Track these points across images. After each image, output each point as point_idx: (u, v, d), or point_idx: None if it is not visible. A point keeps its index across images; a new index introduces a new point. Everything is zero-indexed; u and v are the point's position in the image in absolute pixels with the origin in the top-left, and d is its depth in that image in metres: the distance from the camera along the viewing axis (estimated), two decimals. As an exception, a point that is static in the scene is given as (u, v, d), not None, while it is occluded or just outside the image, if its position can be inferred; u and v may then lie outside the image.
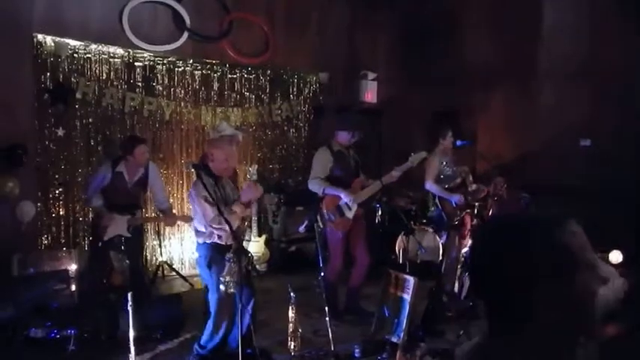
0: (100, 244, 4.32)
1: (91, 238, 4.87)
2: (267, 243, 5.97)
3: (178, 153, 5.79)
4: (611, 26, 6.37)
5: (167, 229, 5.71)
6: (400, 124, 7.62)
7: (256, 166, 6.02)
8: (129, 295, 2.97)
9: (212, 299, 3.50)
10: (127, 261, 4.34)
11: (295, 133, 6.70)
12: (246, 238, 5.91)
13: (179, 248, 5.88)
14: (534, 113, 6.66)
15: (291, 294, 3.21)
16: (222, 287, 3.25)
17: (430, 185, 4.96)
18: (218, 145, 3.74)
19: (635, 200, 6.35)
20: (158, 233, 5.56)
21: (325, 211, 4.36)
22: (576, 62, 6.47)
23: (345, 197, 4.32)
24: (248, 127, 6.31)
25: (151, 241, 5.63)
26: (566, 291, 0.98)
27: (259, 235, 5.94)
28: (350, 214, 4.37)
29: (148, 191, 4.68)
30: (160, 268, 5.53)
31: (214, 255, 3.55)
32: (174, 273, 5.60)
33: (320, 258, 3.48)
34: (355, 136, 4.45)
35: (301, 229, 4.11)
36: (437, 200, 5.08)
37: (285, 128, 6.64)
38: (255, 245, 5.93)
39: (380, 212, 6.20)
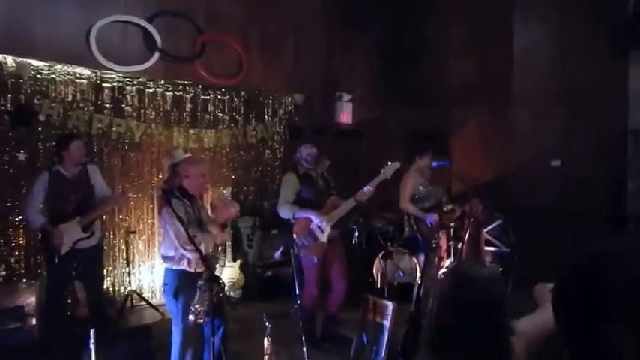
0: (57, 260, 3.97)
1: (46, 262, 4.43)
2: (242, 268, 5.78)
3: (149, 176, 5.59)
4: (583, 49, 6.51)
5: (136, 256, 5.48)
6: (377, 146, 7.58)
7: (230, 189, 5.96)
8: (91, 331, 2.76)
9: (176, 330, 3.31)
10: (85, 289, 4.03)
11: (270, 155, 6.58)
12: (221, 263, 5.73)
13: (149, 276, 5.64)
14: (508, 134, 6.71)
15: (266, 323, 3.04)
16: (191, 317, 3.08)
17: (405, 205, 4.89)
18: (192, 162, 3.64)
19: (605, 220, 6.41)
20: (127, 261, 5.32)
21: (297, 236, 4.22)
22: (548, 84, 6.58)
23: (315, 219, 4.21)
24: (222, 148, 6.18)
25: (119, 269, 5.39)
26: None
27: (234, 260, 5.76)
28: (323, 237, 4.24)
29: (91, 190, 4.26)
30: (129, 298, 5.27)
31: (182, 283, 3.38)
32: (144, 302, 5.36)
33: (296, 284, 3.33)
34: (316, 154, 4.36)
35: (277, 255, 3.99)
36: (412, 221, 5.01)
37: (260, 150, 6.51)
38: (230, 270, 5.73)
39: (357, 233, 6.10)
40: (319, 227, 4.27)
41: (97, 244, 4.21)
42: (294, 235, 4.32)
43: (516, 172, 6.54)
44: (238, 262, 5.76)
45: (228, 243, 5.82)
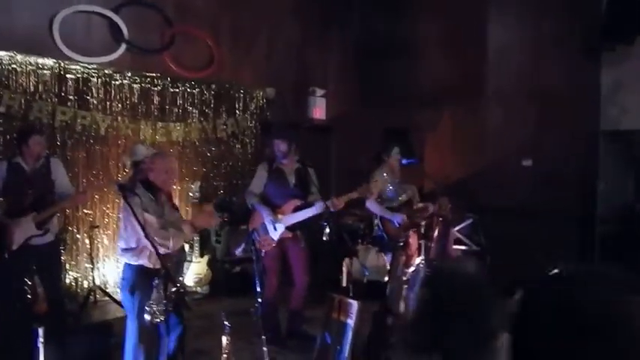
0: (6, 256, 3.82)
1: None
2: (209, 264, 5.71)
3: (115, 169, 5.47)
4: (556, 49, 6.59)
5: (101, 250, 5.37)
6: (350, 142, 7.57)
7: (199, 183, 5.87)
8: (39, 330, 2.68)
9: (131, 327, 3.25)
10: (42, 283, 3.90)
11: (241, 150, 6.51)
12: (188, 258, 5.65)
13: (114, 271, 5.52)
14: (481, 133, 6.77)
15: (225, 322, 3.00)
16: (147, 316, 3.02)
17: (370, 204, 4.87)
18: (158, 156, 3.58)
19: (575, 219, 6.53)
20: (91, 256, 5.20)
21: (251, 227, 4.23)
22: (521, 84, 6.64)
23: (266, 217, 4.19)
24: (191, 142, 6.08)
25: (82, 264, 5.27)
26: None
27: (201, 256, 5.69)
28: (274, 235, 4.23)
29: (51, 186, 4.11)
30: (92, 293, 5.16)
31: (139, 279, 3.31)
32: (107, 298, 5.25)
33: (257, 281, 3.30)
34: (292, 149, 4.31)
35: (238, 251, 3.94)
36: (378, 220, 5.01)
37: (231, 144, 6.43)
38: (197, 266, 5.67)
39: (327, 230, 6.07)
40: (273, 224, 4.26)
41: (54, 240, 4.09)
42: (250, 227, 4.33)
43: (488, 171, 6.60)
44: (206, 257, 5.70)
45: (196, 238, 5.76)
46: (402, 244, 4.50)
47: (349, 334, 3.49)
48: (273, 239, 4.29)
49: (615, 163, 6.92)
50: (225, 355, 3.01)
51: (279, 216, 4.27)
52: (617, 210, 6.86)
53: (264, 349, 3.22)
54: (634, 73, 6.61)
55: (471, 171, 6.70)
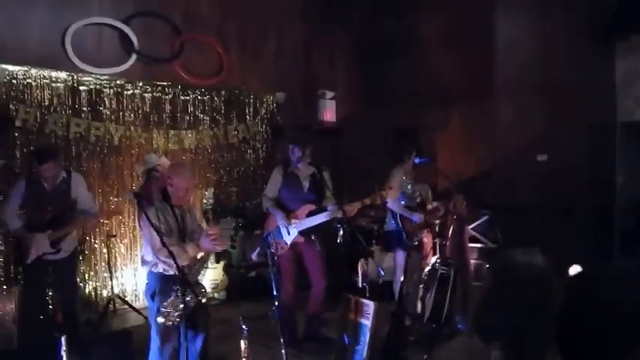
0: (27, 266, 3.91)
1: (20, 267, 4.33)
2: (225, 269, 5.75)
3: (129, 179, 5.53)
4: (565, 43, 6.51)
5: (118, 259, 5.43)
6: (360, 143, 7.56)
7: (212, 190, 5.91)
8: (62, 338, 2.72)
9: (152, 332, 3.28)
10: (56, 296, 3.96)
11: (253, 155, 6.54)
12: (205, 265, 5.68)
13: (132, 279, 5.59)
14: (492, 129, 6.71)
15: (243, 327, 3.02)
16: (160, 319, 3.05)
17: (392, 203, 4.86)
18: (180, 173, 3.55)
19: (593, 214, 6.43)
20: (109, 264, 5.26)
21: (267, 230, 4.25)
22: (531, 79, 6.57)
23: (279, 221, 4.21)
24: (203, 149, 6.13)
25: (101, 274, 5.34)
26: None
27: (217, 262, 5.72)
28: (287, 239, 4.26)
29: (71, 203, 4.14)
30: (112, 302, 5.21)
31: (160, 285, 3.35)
32: (127, 306, 5.30)
33: (273, 284, 3.31)
34: (306, 153, 4.33)
35: (254, 255, 3.96)
36: (398, 219, 4.99)
37: (243, 150, 6.47)
38: (213, 272, 5.70)
39: (342, 233, 6.07)
40: (286, 228, 4.28)
41: (68, 256, 4.11)
42: (266, 230, 4.35)
43: (501, 167, 6.53)
44: (222, 263, 5.73)
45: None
46: (416, 243, 4.49)
47: (367, 335, 3.49)
48: (286, 243, 4.32)
49: (633, 155, 6.80)
50: (244, 359, 3.03)
51: (293, 220, 4.28)
52: (636, 203, 6.75)
53: (283, 351, 3.22)
54: (647, 64, 6.51)
55: (483, 169, 6.65)
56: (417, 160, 4.56)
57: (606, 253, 6.66)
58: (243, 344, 3.04)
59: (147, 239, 3.30)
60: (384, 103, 7.42)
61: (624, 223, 6.67)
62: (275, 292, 3.35)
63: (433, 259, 4.22)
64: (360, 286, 3.96)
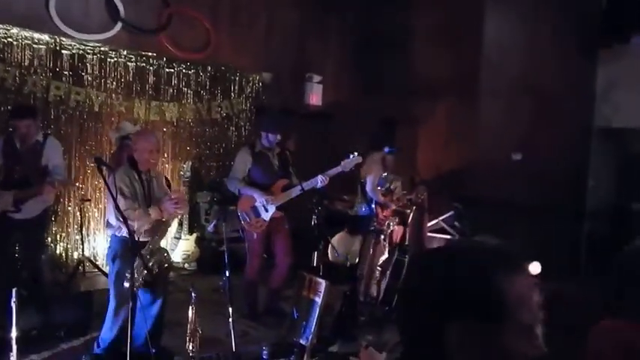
0: None
1: None
2: (197, 241, 5.84)
3: (107, 145, 5.60)
4: (552, 45, 6.57)
5: (92, 223, 5.52)
6: (346, 128, 7.62)
7: (190, 163, 6.00)
8: (13, 291, 2.82)
9: (111, 294, 3.39)
10: (19, 253, 4.03)
11: (235, 132, 6.60)
12: (176, 235, 5.80)
13: (104, 244, 5.66)
14: (474, 126, 6.76)
15: (192, 294, 3.12)
16: (126, 284, 3.15)
17: (372, 192, 4.93)
18: (144, 136, 3.66)
19: (564, 215, 6.55)
20: (81, 228, 5.35)
21: (240, 211, 4.31)
22: (516, 78, 6.63)
23: (258, 198, 4.28)
24: (185, 123, 6.18)
25: (73, 236, 5.43)
26: (485, 341, 0.85)
27: (190, 233, 5.82)
28: (266, 216, 4.33)
29: (41, 167, 4.13)
30: (82, 264, 5.31)
31: (121, 249, 3.45)
32: (96, 269, 5.41)
33: (225, 256, 3.41)
34: (279, 139, 4.40)
35: (209, 228, 4.04)
36: (373, 204, 5.09)
37: (225, 126, 6.53)
38: (186, 243, 5.81)
39: (316, 214, 6.16)
40: (264, 206, 4.34)
41: (34, 217, 4.11)
42: (238, 211, 4.42)
43: (480, 164, 6.61)
44: (194, 235, 5.82)
45: (185, 216, 5.89)
46: (378, 229, 4.59)
47: (316, 311, 3.59)
48: (265, 220, 4.38)
49: (606, 161, 6.92)
50: (190, 325, 3.13)
51: (271, 197, 4.34)
52: (606, 208, 6.87)
53: (230, 320, 3.33)
54: (629, 72, 6.60)
55: (463, 163, 6.73)
56: (386, 150, 4.63)
57: (573, 253, 6.79)
58: (191, 310, 3.14)
59: (111, 202, 3.38)
60: (372, 92, 7.46)
61: (593, 226, 6.80)
62: (227, 268, 3.42)
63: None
64: (314, 265, 4.06)
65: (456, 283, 0.87)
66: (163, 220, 3.53)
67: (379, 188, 4.89)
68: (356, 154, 4.48)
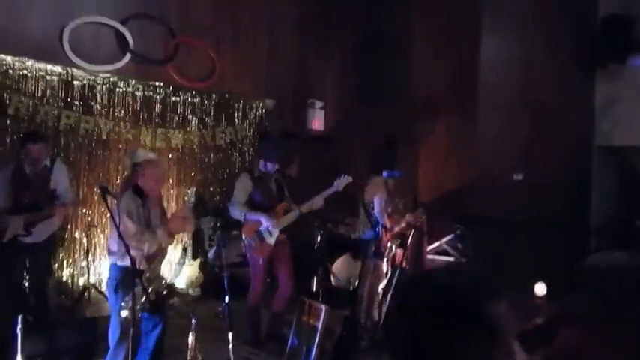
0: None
1: None
2: (201, 267, 5.91)
3: (114, 172, 5.74)
4: (548, 64, 6.68)
5: (98, 249, 5.62)
6: (348, 153, 7.73)
7: (194, 189, 6.11)
8: (19, 317, 2.90)
9: (114, 323, 3.46)
10: (27, 278, 4.13)
11: (239, 157, 6.73)
12: (180, 261, 5.88)
13: (110, 270, 5.76)
14: (474, 145, 6.85)
15: (192, 320, 3.19)
16: (124, 312, 3.22)
17: (379, 214, 5.00)
18: (153, 164, 3.78)
19: (568, 231, 6.55)
20: (87, 253, 5.45)
21: (245, 236, 4.38)
22: (515, 96, 6.73)
23: (265, 222, 4.36)
24: (190, 149, 6.32)
25: (79, 262, 5.52)
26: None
27: (194, 259, 5.90)
28: (271, 240, 4.39)
29: (50, 191, 4.31)
30: (87, 291, 5.39)
31: (124, 278, 3.53)
32: (101, 295, 5.47)
33: (225, 282, 3.48)
34: (277, 166, 4.51)
35: (210, 255, 4.11)
36: (379, 228, 5.15)
37: (229, 152, 6.66)
38: (189, 268, 5.88)
39: (319, 239, 6.23)
40: (268, 230, 4.42)
41: (43, 241, 4.26)
42: (243, 236, 4.49)
43: (481, 183, 6.67)
44: (198, 260, 5.90)
45: (189, 242, 5.98)
46: (379, 252, 4.64)
47: (317, 337, 3.63)
48: (270, 244, 4.44)
49: (608, 177, 6.95)
50: (190, 351, 3.19)
51: (276, 220, 4.41)
52: (610, 224, 6.87)
53: (230, 346, 3.38)
54: (627, 90, 6.68)
55: (464, 182, 6.80)
56: (385, 174, 4.72)
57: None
58: (191, 336, 3.20)
59: (114, 229, 3.48)
60: (373, 114, 7.60)
61: (598, 241, 6.79)
62: (227, 294, 3.48)
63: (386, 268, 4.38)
64: (314, 290, 4.10)
65: (440, 306, 0.97)
66: (162, 246, 3.63)
67: (388, 209, 4.96)
68: (349, 177, 4.58)
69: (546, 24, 6.59)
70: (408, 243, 4.22)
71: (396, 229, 4.86)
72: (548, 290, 5.70)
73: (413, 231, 4.21)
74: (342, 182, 4.51)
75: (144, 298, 3.40)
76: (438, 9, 7.05)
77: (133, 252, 3.45)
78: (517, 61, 6.69)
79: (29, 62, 5.18)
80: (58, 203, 4.22)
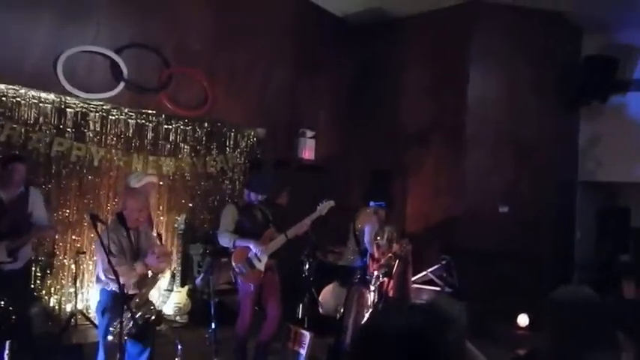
0: None
1: None
2: (189, 294, 5.92)
3: (105, 199, 5.79)
4: (532, 102, 6.90)
5: (86, 276, 5.62)
6: (338, 181, 7.83)
7: (184, 216, 6.15)
8: (7, 343, 2.92)
9: (100, 346, 3.48)
10: (10, 304, 4.11)
11: (229, 185, 6.80)
12: (169, 287, 5.88)
13: (97, 296, 5.75)
14: (460, 178, 6.98)
15: (178, 346, 3.21)
16: (109, 337, 3.25)
17: (368, 243, 5.07)
18: (134, 196, 3.86)
19: (552, 265, 6.66)
20: (75, 279, 5.45)
21: (235, 263, 4.42)
22: (501, 132, 6.91)
23: (254, 248, 4.41)
24: (181, 176, 6.39)
25: (67, 288, 5.52)
26: None
27: (182, 285, 5.91)
28: (260, 266, 4.44)
29: (28, 216, 4.28)
30: (74, 317, 5.38)
31: (110, 303, 3.57)
32: (88, 322, 5.46)
33: (212, 309, 3.51)
34: (261, 197, 4.60)
35: (197, 281, 4.15)
36: (367, 258, 5.21)
37: (220, 180, 6.74)
38: (178, 295, 5.88)
39: (307, 267, 6.26)
40: (257, 256, 4.47)
41: (24, 267, 4.26)
42: (233, 263, 4.53)
43: (467, 215, 6.79)
44: (186, 287, 5.91)
45: (178, 269, 6.00)
46: (366, 281, 4.70)
47: (302, 364, 3.66)
48: (260, 270, 4.47)
49: (591, 213, 7.11)
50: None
51: (263, 246, 4.45)
52: (594, 258, 6.99)
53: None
54: (609, 128, 6.90)
55: (451, 214, 6.90)
56: (371, 204, 4.82)
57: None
58: (177, 362, 3.22)
59: (99, 258, 3.55)
60: (363, 145, 7.76)
61: (583, 276, 6.89)
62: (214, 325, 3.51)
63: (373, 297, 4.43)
64: (300, 317, 4.12)
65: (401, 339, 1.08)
66: (150, 274, 3.67)
67: (377, 239, 5.04)
68: (332, 201, 4.68)
69: (532, 64, 6.83)
70: (394, 272, 4.28)
71: (383, 260, 4.94)
72: (531, 322, 5.76)
73: (398, 261, 4.27)
74: (325, 207, 4.61)
75: (131, 324, 3.43)
76: (427, 48, 7.29)
77: (111, 282, 3.49)
78: (503, 99, 6.89)
79: (22, 90, 5.27)
80: (49, 225, 4.27)
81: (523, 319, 5.79)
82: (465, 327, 1.39)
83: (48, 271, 5.33)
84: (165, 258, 3.56)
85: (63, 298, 5.49)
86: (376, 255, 5.02)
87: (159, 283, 4.86)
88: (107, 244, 3.35)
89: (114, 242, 3.53)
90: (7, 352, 2.96)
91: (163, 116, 6.23)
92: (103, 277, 3.55)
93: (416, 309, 1.41)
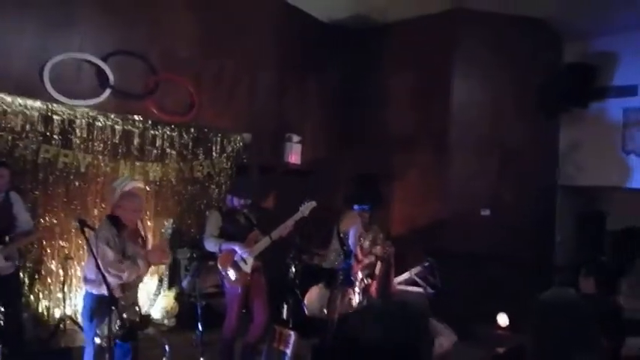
0: None
1: None
2: (177, 297, 5.99)
3: (92, 205, 5.84)
4: (513, 108, 7.09)
5: (74, 281, 5.67)
6: (324, 186, 7.94)
7: (171, 220, 6.22)
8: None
9: (87, 351, 3.54)
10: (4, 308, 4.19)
11: (216, 189, 6.88)
12: (156, 291, 5.95)
13: (85, 301, 5.80)
14: (444, 183, 7.15)
15: (166, 347, 3.30)
16: (97, 340, 3.32)
17: (353, 245, 5.19)
18: (129, 198, 3.95)
19: (532, 268, 6.83)
20: (63, 284, 5.50)
21: (221, 267, 4.51)
22: (483, 138, 7.09)
23: (239, 250, 4.51)
24: (168, 181, 6.46)
25: (55, 294, 5.56)
26: None
27: (169, 289, 5.97)
28: (247, 268, 4.54)
29: (13, 220, 4.44)
30: (63, 322, 5.42)
31: (98, 307, 3.63)
32: (77, 327, 5.50)
33: (199, 313, 3.60)
34: (246, 202, 4.70)
35: (184, 284, 4.24)
36: (352, 259, 5.34)
37: (206, 184, 6.81)
38: (165, 299, 5.95)
39: (293, 269, 6.37)
40: (243, 258, 4.56)
41: (14, 271, 4.36)
42: (219, 267, 4.62)
43: (450, 218, 6.95)
44: (174, 291, 5.98)
45: (166, 273, 6.07)
46: (351, 282, 4.82)
47: (286, 364, 3.76)
48: (247, 273, 4.56)
49: (571, 217, 7.31)
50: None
51: (249, 249, 4.55)
52: (574, 261, 7.18)
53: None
54: (588, 134, 7.11)
55: (435, 217, 7.06)
56: (356, 207, 4.95)
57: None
58: (164, 364, 3.30)
59: (91, 259, 3.60)
60: (349, 150, 7.89)
61: (563, 278, 7.07)
62: (200, 327, 3.59)
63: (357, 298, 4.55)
64: (285, 317, 4.23)
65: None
66: (140, 274, 3.76)
67: (361, 240, 5.16)
68: (313, 202, 4.79)
69: (514, 70, 7.02)
70: (376, 274, 4.41)
71: (366, 261, 5.08)
72: (511, 322, 5.92)
73: (380, 263, 4.40)
74: (308, 207, 4.73)
75: (118, 326, 3.51)
76: (413, 54, 7.45)
77: (110, 279, 3.57)
78: (486, 105, 7.08)
79: (9, 98, 5.31)
80: (25, 233, 4.34)
81: (503, 319, 5.95)
82: (428, 313, 1.54)
83: (36, 277, 5.36)
84: (167, 254, 3.68)
85: (51, 303, 5.53)
86: (360, 256, 5.16)
87: (141, 284, 4.96)
88: (97, 246, 3.43)
89: (111, 239, 3.61)
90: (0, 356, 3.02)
91: (150, 122, 6.30)
92: (93, 277, 3.60)
93: (389, 304, 1.56)
